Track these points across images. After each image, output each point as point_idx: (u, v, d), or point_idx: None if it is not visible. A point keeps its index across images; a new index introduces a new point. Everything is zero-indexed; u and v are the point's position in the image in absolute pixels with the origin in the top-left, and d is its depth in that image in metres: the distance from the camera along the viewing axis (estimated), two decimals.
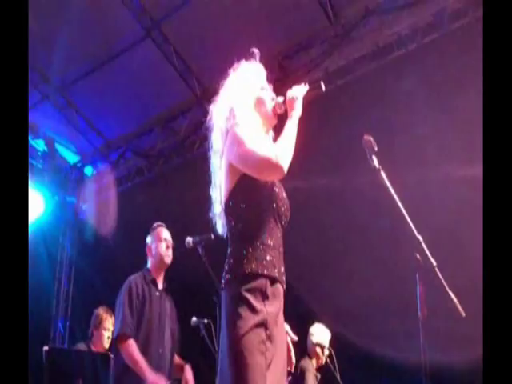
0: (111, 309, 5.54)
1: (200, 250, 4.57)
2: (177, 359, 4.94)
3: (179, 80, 7.80)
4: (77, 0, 6.88)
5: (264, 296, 2.67)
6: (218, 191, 3.01)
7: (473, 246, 2.32)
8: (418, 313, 2.71)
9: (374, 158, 2.89)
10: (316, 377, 5.71)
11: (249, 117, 3.01)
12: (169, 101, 8.21)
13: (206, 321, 4.90)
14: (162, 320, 4.76)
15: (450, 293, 2.68)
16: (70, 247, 9.45)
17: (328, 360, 5.72)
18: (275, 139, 2.97)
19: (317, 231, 6.42)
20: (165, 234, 5.07)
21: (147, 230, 5.18)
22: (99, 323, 5.94)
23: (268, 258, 2.74)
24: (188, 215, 7.31)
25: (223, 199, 2.91)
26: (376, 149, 2.88)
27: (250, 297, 2.63)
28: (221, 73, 7.76)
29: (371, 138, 2.92)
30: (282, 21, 6.95)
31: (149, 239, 5.07)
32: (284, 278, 2.84)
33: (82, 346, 5.96)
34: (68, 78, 8.02)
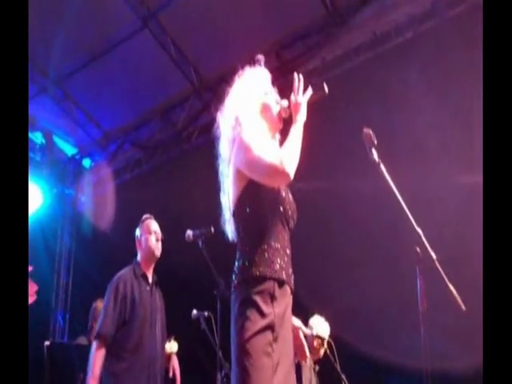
0: None
1: (200, 244, 4.57)
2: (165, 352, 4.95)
3: (177, 71, 7.79)
4: None
5: (272, 298, 2.72)
6: (227, 198, 3.05)
7: (475, 242, 2.31)
8: (419, 305, 2.71)
9: (374, 151, 2.88)
10: (314, 369, 5.71)
11: (255, 122, 3.03)
12: (166, 92, 8.20)
13: (206, 314, 4.90)
14: (153, 315, 4.73)
15: (451, 286, 2.67)
16: (69, 240, 9.47)
17: (328, 351, 5.69)
18: (282, 142, 2.98)
19: (317, 226, 6.39)
20: (154, 226, 5.01)
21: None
22: (98, 316, 5.94)
23: (276, 260, 2.79)
24: (186, 206, 7.34)
25: (231, 205, 2.96)
26: (375, 142, 2.87)
27: (258, 300, 2.69)
28: (218, 63, 7.81)
29: (370, 131, 2.90)
30: (279, 10, 6.92)
31: (138, 232, 5.00)
32: (292, 280, 2.89)
33: (82, 340, 5.97)
34: (65, 71, 7.98)
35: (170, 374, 4.86)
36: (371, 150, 2.89)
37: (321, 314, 5.89)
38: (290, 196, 3.02)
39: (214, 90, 7.73)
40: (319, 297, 6.19)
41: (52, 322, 8.86)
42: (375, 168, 2.87)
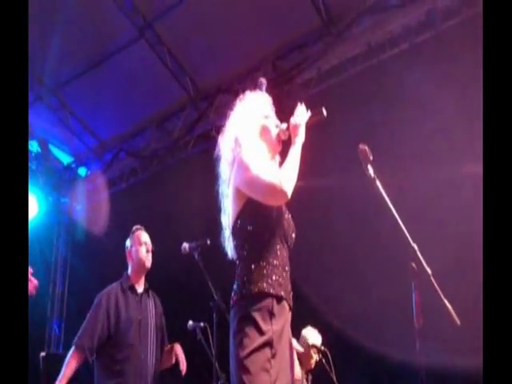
0: None
1: (196, 256, 4.58)
2: (167, 348, 4.92)
3: (173, 80, 7.81)
4: (70, 1, 6.86)
5: (271, 315, 2.76)
6: (227, 217, 3.10)
7: (481, 247, 2.32)
8: (414, 321, 2.72)
9: (370, 167, 2.91)
10: (307, 379, 5.73)
11: (254, 143, 3.10)
12: (162, 101, 8.22)
13: (202, 324, 4.90)
14: (142, 324, 4.71)
15: (445, 301, 2.69)
16: (65, 248, 9.47)
17: (324, 361, 5.71)
18: (281, 164, 3.04)
19: (318, 233, 6.40)
20: (144, 237, 4.99)
21: None
22: None
23: (274, 277, 2.84)
24: (181, 215, 7.35)
25: (231, 222, 3.01)
26: (371, 158, 2.90)
27: (257, 317, 2.73)
28: (214, 73, 7.83)
29: (366, 148, 2.93)
30: (275, 20, 6.96)
31: (128, 243, 4.99)
32: (291, 297, 2.94)
33: None
34: (61, 79, 8.01)
35: (173, 361, 4.83)
36: (367, 166, 2.92)
37: (315, 323, 5.91)
38: (289, 215, 3.07)
39: (210, 100, 7.77)
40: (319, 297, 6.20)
41: (48, 331, 8.84)
42: (371, 184, 2.89)
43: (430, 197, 5.77)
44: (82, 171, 9.40)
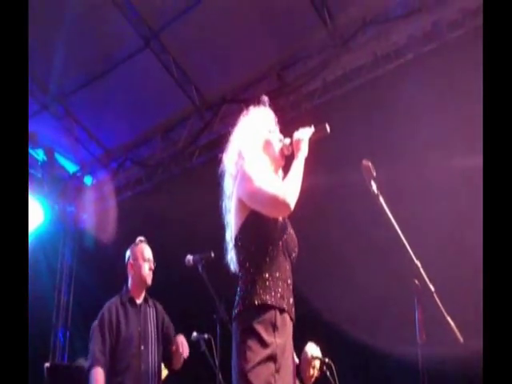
0: None
1: (200, 268, 4.58)
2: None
3: (178, 89, 7.81)
4: (75, 10, 6.88)
5: (274, 327, 2.77)
6: (229, 230, 3.12)
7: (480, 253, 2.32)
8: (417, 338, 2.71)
9: (373, 183, 2.91)
10: None
11: (258, 156, 3.12)
12: (168, 110, 8.22)
13: (206, 336, 4.89)
14: (142, 335, 4.72)
15: (448, 318, 2.69)
16: (70, 257, 9.46)
17: (328, 373, 5.68)
18: (283, 179, 3.07)
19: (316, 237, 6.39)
20: (147, 253, 4.95)
21: (146, 239, 5.12)
22: None
23: (277, 290, 2.85)
24: (187, 224, 7.35)
25: (233, 235, 3.02)
26: (375, 174, 2.90)
27: (260, 329, 2.74)
28: (220, 83, 7.84)
29: (370, 164, 2.93)
30: (280, 31, 6.97)
31: (130, 254, 4.95)
32: (293, 310, 2.94)
33: (82, 361, 5.95)
34: (67, 88, 8.01)
35: (173, 348, 4.81)
36: (370, 182, 2.92)
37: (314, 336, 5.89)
38: (291, 228, 3.08)
39: (215, 110, 7.78)
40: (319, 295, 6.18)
41: (52, 340, 8.83)
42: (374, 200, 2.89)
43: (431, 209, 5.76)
44: (87, 180, 9.41)
